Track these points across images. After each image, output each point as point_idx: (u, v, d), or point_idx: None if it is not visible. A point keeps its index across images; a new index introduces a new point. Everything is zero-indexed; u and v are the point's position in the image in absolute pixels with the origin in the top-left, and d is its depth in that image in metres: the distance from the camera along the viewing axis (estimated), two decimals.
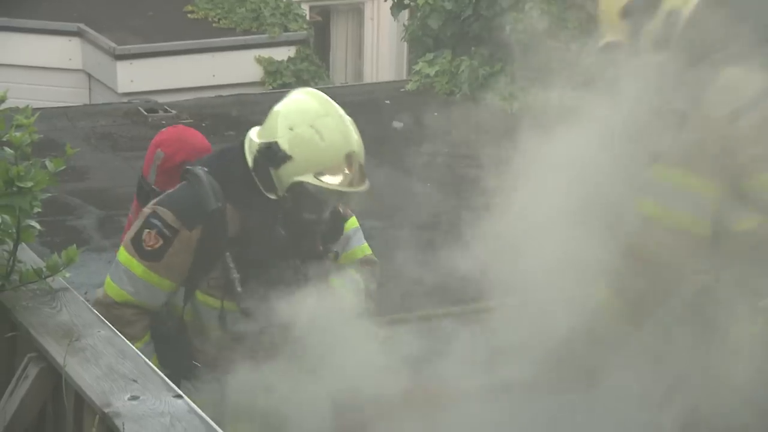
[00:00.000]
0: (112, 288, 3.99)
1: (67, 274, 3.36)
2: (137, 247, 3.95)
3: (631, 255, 3.33)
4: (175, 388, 2.97)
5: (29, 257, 3.34)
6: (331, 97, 3.96)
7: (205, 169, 3.96)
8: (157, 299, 4.01)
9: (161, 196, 4.04)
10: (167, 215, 3.92)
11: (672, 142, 3.25)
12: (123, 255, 3.99)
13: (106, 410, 2.82)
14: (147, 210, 3.99)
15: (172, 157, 4.17)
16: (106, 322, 3.27)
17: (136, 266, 3.95)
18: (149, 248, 3.93)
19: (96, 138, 8.44)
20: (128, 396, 2.89)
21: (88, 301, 3.46)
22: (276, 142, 3.79)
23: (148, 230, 3.94)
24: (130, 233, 4.02)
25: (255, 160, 3.85)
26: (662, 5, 3.39)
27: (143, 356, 3.11)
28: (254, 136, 3.91)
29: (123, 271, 3.98)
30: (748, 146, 3.17)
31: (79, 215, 6.46)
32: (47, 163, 3.29)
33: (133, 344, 3.94)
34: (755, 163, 3.18)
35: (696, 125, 3.24)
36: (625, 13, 3.44)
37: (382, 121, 9.56)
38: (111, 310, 3.93)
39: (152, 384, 2.98)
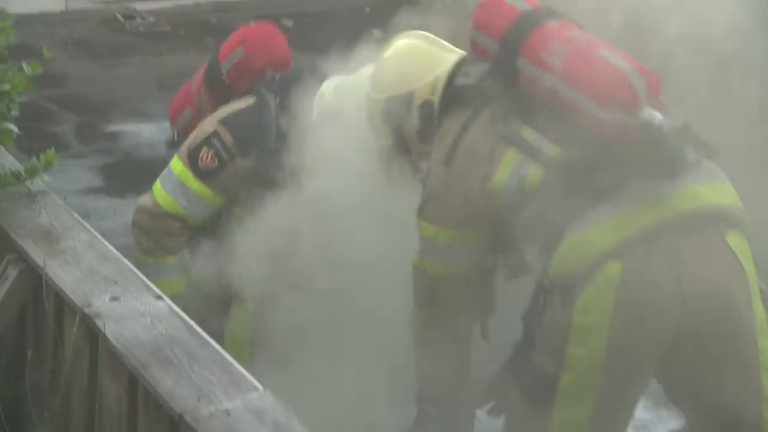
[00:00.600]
0: (165, 198, 3.99)
1: (46, 178, 3.37)
2: (193, 162, 3.96)
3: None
4: (156, 289, 2.99)
5: (8, 160, 3.35)
6: None
7: (277, 100, 3.96)
8: (205, 214, 4.03)
9: (227, 114, 4.02)
10: (228, 139, 3.94)
11: (422, 198, 3.42)
12: (178, 167, 3.99)
13: (86, 310, 2.84)
14: (209, 127, 3.98)
15: (252, 60, 4.12)
16: (88, 226, 3.28)
17: (192, 181, 3.97)
18: (204, 167, 3.95)
19: (73, 45, 8.37)
20: (109, 297, 2.92)
21: (68, 206, 3.47)
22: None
23: (206, 149, 3.95)
24: (188, 145, 4.01)
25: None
26: (414, 101, 3.50)
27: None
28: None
29: (177, 183, 3.98)
30: (464, 180, 3.29)
31: (57, 122, 6.42)
32: (24, 66, 3.28)
33: (167, 258, 4.00)
34: (477, 188, 3.27)
35: (431, 181, 3.40)
36: (386, 117, 3.57)
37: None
38: (158, 219, 3.96)
39: (133, 286, 3.00)
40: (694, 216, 3.07)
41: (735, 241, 3.09)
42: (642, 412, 4.04)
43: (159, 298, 2.94)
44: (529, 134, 3.19)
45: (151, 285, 3.02)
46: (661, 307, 3.01)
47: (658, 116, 2.98)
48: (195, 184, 3.97)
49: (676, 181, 3.07)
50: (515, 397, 3.22)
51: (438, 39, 3.58)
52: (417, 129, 3.51)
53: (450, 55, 3.52)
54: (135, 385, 2.72)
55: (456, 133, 3.33)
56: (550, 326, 3.09)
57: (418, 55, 3.54)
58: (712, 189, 3.11)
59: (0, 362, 3.08)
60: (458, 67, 3.43)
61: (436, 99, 3.45)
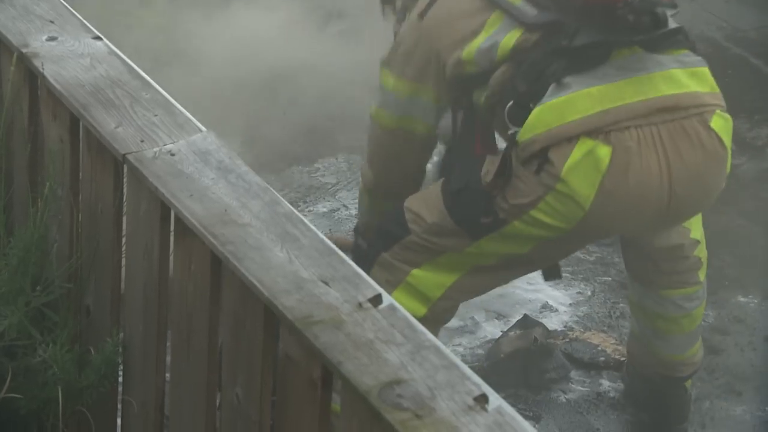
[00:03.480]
0: None
1: None
2: None
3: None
4: (94, 29, 2.94)
5: None
6: None
7: None
8: None
9: None
10: None
11: (390, 48, 3.43)
12: None
13: (23, 50, 2.79)
14: None
15: None
16: None
17: None
18: None
19: None
20: (46, 37, 2.86)
21: None
22: None
23: None
24: None
25: None
26: None
27: None
28: None
29: None
30: (436, 40, 3.28)
31: None
32: None
33: None
34: (447, 52, 3.26)
35: (403, 31, 3.41)
36: None
37: None
38: None
39: (70, 26, 2.94)
40: (677, 100, 3.10)
41: (718, 122, 3.14)
42: None
43: (98, 38, 2.89)
44: (516, 5, 3.17)
45: (89, 25, 2.96)
46: (646, 203, 3.10)
47: None
48: None
49: (656, 61, 3.10)
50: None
51: None
52: None
53: None
54: (77, 126, 2.71)
55: None
56: (519, 180, 3.12)
57: None
58: (692, 75, 3.14)
59: (18, 113, 3.03)
60: None
61: None
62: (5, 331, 2.64)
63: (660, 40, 3.11)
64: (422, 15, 3.31)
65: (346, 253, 2.32)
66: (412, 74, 3.35)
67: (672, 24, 3.13)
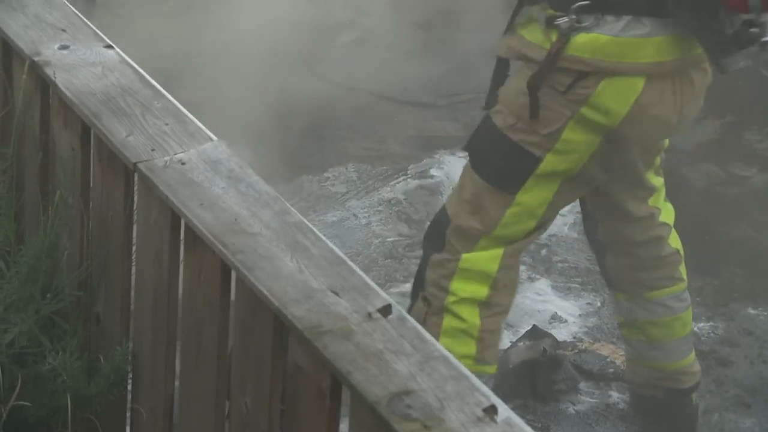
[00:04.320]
0: None
1: None
2: None
3: None
4: (105, 38, 2.95)
5: None
6: None
7: None
8: None
9: None
10: None
11: None
12: None
13: (35, 59, 2.80)
14: None
15: None
16: None
17: None
18: None
19: None
20: (58, 45, 2.87)
21: None
22: None
23: None
24: None
25: None
26: None
27: (72, 7, 3.08)
28: None
29: None
30: None
31: None
32: None
33: None
34: None
35: None
36: None
37: None
38: None
39: (82, 34, 2.95)
40: (699, 58, 3.25)
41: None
42: None
43: (109, 47, 2.90)
44: None
45: (101, 33, 2.97)
46: (663, 124, 3.26)
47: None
48: None
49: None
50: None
51: None
52: None
53: None
54: (88, 134, 2.71)
55: None
56: (546, 109, 3.16)
57: None
58: None
59: (30, 120, 3.04)
60: None
61: None
62: (15, 338, 2.64)
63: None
64: None
65: None
66: None
67: None
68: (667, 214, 3.51)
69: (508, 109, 3.24)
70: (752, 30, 3.08)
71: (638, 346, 3.60)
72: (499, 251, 3.32)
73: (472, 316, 3.33)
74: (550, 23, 3.13)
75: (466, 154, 3.45)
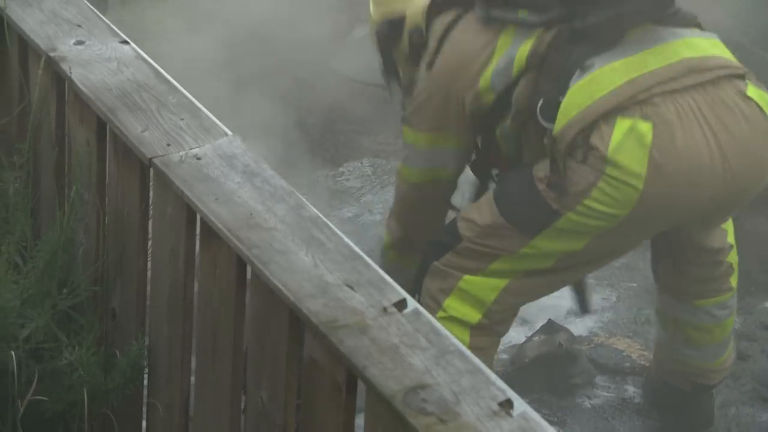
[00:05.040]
0: None
1: None
2: None
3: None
4: (121, 33, 2.96)
5: None
6: None
7: None
8: None
9: None
10: None
11: (407, 106, 3.45)
12: None
13: (51, 54, 2.81)
14: None
15: None
16: None
17: None
18: None
19: None
20: (74, 41, 2.88)
21: None
22: None
23: None
24: None
25: None
26: (405, 26, 3.48)
27: (87, 2, 3.08)
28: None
29: None
30: (450, 83, 3.29)
31: None
32: None
33: None
34: (463, 90, 3.28)
35: (417, 87, 3.40)
36: (378, 41, 3.58)
37: None
38: None
39: (98, 29, 2.96)
40: (700, 61, 3.09)
41: (754, 92, 3.12)
42: None
43: (125, 42, 2.91)
44: (521, 15, 3.17)
45: (116, 29, 2.98)
46: (701, 177, 3.07)
47: None
48: None
49: (671, 32, 3.13)
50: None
51: None
52: (405, 57, 3.49)
53: None
54: (103, 130, 2.72)
55: (438, 38, 3.31)
56: (571, 171, 3.10)
57: None
58: (711, 44, 3.16)
59: (46, 116, 3.05)
60: None
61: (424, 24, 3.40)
62: (32, 333, 2.65)
63: (670, 16, 3.13)
64: (430, 65, 3.33)
65: None
66: (431, 125, 3.37)
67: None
68: (731, 231, 3.47)
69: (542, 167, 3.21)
70: None
71: (674, 340, 3.57)
72: (501, 282, 3.28)
73: (461, 334, 3.29)
74: (543, 139, 3.17)
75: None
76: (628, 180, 3.04)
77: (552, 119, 3.08)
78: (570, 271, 3.34)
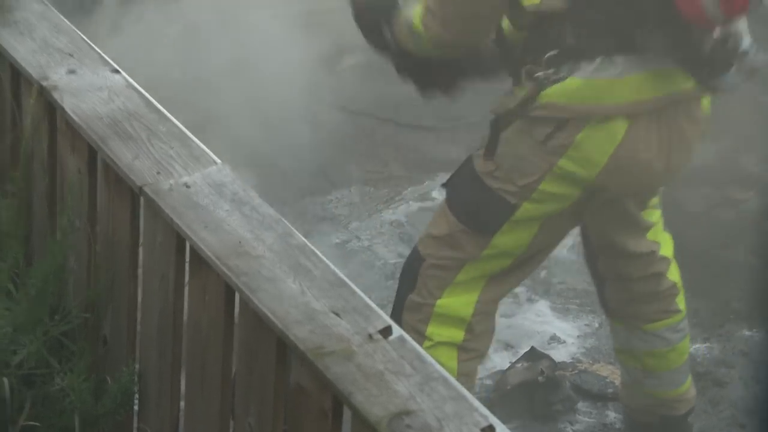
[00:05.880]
0: None
1: None
2: None
3: None
4: (112, 63, 2.97)
5: None
6: None
7: None
8: None
9: None
10: None
11: None
12: None
13: (44, 83, 2.81)
14: None
15: None
16: None
17: None
18: None
19: None
20: (65, 70, 2.88)
21: None
22: None
23: None
24: None
25: None
26: None
27: (79, 32, 3.09)
28: None
29: None
30: None
31: None
32: None
33: None
34: None
35: None
36: None
37: None
38: None
39: (89, 59, 2.96)
40: (688, 93, 3.16)
41: (706, 102, 3.23)
42: None
43: (116, 71, 2.91)
44: None
45: (107, 58, 2.99)
46: (647, 173, 3.18)
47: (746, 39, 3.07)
48: None
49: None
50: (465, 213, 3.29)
51: None
52: None
53: None
54: (94, 158, 2.73)
55: None
56: (524, 160, 3.15)
57: None
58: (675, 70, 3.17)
59: (38, 144, 3.05)
60: None
61: None
62: (24, 359, 2.65)
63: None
64: None
65: None
66: None
67: None
68: (667, 246, 3.48)
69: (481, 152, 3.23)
70: (728, 42, 3.04)
71: (634, 374, 3.60)
72: (474, 295, 3.31)
73: (449, 360, 3.30)
74: (529, 76, 3.12)
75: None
76: (585, 165, 3.11)
77: (554, 71, 3.11)
78: (528, 264, 3.39)
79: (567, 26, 3.10)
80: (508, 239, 3.24)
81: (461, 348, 3.33)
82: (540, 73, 3.09)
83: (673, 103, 3.15)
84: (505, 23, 3.20)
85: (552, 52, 3.09)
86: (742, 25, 3.07)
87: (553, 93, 3.09)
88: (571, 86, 3.08)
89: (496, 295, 3.38)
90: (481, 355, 3.44)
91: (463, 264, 3.29)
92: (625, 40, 3.07)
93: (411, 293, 3.34)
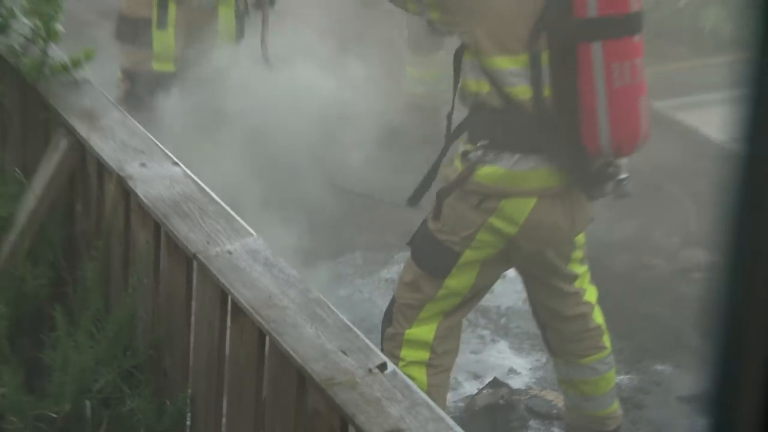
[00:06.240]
0: None
1: (88, 70, 3.29)
2: None
3: None
4: (173, 157, 2.97)
5: (57, 55, 3.27)
6: None
7: None
8: None
9: None
10: None
11: None
12: None
13: (120, 174, 2.82)
14: None
15: None
16: (118, 106, 3.24)
17: None
18: None
19: None
20: (138, 163, 2.89)
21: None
22: None
23: None
24: None
25: None
26: None
27: (149, 134, 3.10)
28: None
29: None
30: None
31: (95, 27, 6.27)
32: None
33: None
34: None
35: None
36: None
37: None
38: None
39: (156, 155, 2.97)
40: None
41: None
42: None
43: (176, 164, 2.92)
44: None
45: (170, 154, 2.99)
46: (557, 232, 3.21)
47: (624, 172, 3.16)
48: None
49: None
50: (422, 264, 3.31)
51: None
52: None
53: None
54: (159, 231, 2.72)
55: None
56: (463, 218, 3.17)
57: None
58: None
59: (57, 214, 3.05)
60: None
61: None
62: (103, 386, 2.63)
63: None
64: None
65: None
66: None
67: None
68: (591, 294, 3.45)
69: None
70: (609, 169, 3.12)
71: (574, 398, 3.56)
72: (434, 325, 3.30)
73: (420, 375, 3.29)
74: (464, 156, 3.17)
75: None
76: (509, 221, 3.13)
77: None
78: (473, 300, 3.39)
79: (499, 124, 3.13)
80: (457, 281, 3.25)
81: (428, 365, 3.33)
82: (471, 155, 3.12)
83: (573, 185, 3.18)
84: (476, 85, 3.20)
85: (484, 142, 3.11)
86: (624, 161, 3.16)
87: (481, 175, 3.13)
88: (495, 173, 3.12)
89: (451, 324, 3.37)
90: (447, 370, 3.41)
91: (424, 303, 3.29)
92: (539, 147, 3.12)
93: (389, 327, 3.36)
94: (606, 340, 3.48)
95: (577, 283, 3.42)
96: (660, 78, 5.80)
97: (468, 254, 3.21)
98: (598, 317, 3.47)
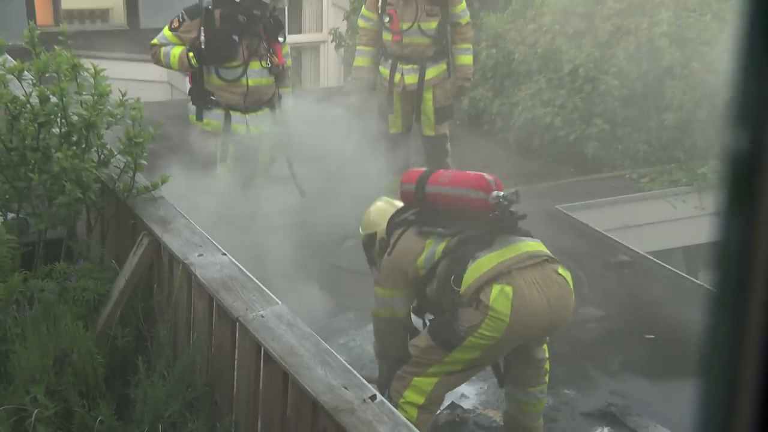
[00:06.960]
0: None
1: (162, 190, 3.28)
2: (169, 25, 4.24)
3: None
4: (222, 249, 2.93)
5: (141, 180, 3.26)
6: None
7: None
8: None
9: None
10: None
11: (377, 276, 3.31)
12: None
13: (185, 262, 2.78)
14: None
15: None
16: (182, 213, 3.21)
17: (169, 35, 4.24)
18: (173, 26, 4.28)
19: (175, 118, 8.17)
20: (197, 254, 2.86)
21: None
22: None
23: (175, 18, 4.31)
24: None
25: None
26: (377, 237, 3.40)
27: (204, 232, 3.06)
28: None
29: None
30: (400, 262, 3.18)
31: (166, 160, 6.28)
32: (150, 128, 3.20)
33: None
34: (408, 266, 3.19)
35: (382, 265, 3.28)
36: (364, 245, 3.47)
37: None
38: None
39: (210, 247, 2.94)
40: (534, 252, 3.05)
41: (564, 272, 3.10)
42: None
43: (224, 254, 2.88)
44: (438, 230, 3.15)
45: (219, 247, 2.95)
46: (540, 317, 3.02)
47: (500, 193, 3.04)
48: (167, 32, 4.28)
49: (516, 238, 3.08)
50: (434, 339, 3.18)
51: (393, 200, 3.44)
52: (378, 252, 3.41)
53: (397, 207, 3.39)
54: (212, 302, 2.67)
55: (394, 241, 3.24)
56: (465, 316, 3.03)
57: (380, 211, 3.43)
58: (537, 243, 3.13)
59: (140, 291, 2.99)
60: (396, 212, 3.33)
61: (387, 235, 3.34)
62: (172, 413, 2.54)
63: (512, 226, 3.12)
64: (390, 253, 3.26)
65: (372, 383, 2.22)
66: (391, 285, 3.27)
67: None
68: (546, 351, 3.32)
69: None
70: None
71: (514, 410, 3.44)
72: (434, 380, 3.15)
73: (412, 412, 3.15)
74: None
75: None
76: (500, 317, 2.98)
77: (459, 285, 3.04)
78: (472, 370, 3.23)
79: (450, 265, 3.06)
80: (460, 355, 3.09)
81: (420, 408, 3.19)
82: (456, 290, 3.03)
83: (529, 265, 3.01)
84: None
85: (452, 278, 3.03)
86: (495, 192, 3.06)
87: (463, 286, 3.00)
88: (466, 276, 3.00)
89: (448, 383, 3.19)
90: (432, 413, 3.27)
91: (432, 363, 3.14)
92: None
93: (400, 370, 3.21)
94: (547, 377, 3.39)
95: (546, 352, 3.29)
96: (560, 189, 5.88)
97: (470, 340, 3.03)
98: (546, 364, 3.36)
